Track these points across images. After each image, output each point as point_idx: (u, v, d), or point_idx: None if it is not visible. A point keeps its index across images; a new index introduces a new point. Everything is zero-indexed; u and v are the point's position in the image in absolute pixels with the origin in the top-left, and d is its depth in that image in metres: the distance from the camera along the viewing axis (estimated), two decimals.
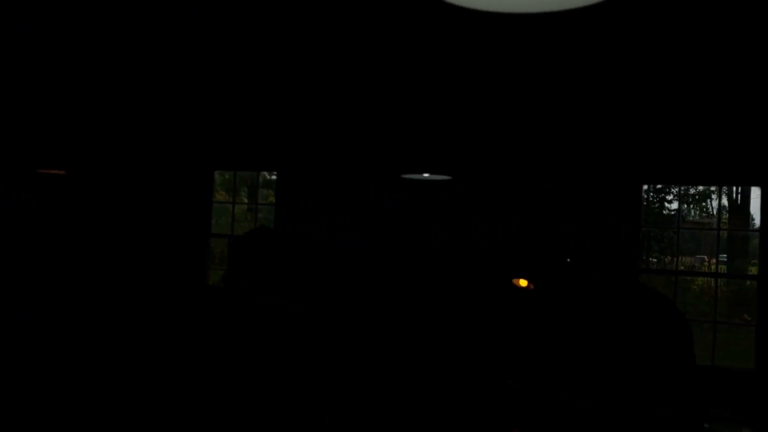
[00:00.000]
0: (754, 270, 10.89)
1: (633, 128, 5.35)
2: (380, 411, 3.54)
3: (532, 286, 4.74)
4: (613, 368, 1.99)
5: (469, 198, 5.79)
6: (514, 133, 5.65)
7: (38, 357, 4.44)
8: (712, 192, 16.36)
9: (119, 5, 3.33)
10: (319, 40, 3.82)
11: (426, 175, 5.07)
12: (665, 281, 9.10)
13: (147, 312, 5.29)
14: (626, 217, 5.30)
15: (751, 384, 5.14)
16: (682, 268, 13.33)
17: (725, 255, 14.91)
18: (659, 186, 14.43)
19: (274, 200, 7.00)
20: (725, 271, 14.32)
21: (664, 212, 15.34)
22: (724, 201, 16.03)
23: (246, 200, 14.81)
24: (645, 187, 6.08)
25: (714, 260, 13.21)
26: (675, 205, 15.14)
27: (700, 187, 15.94)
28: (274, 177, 8.09)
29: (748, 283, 12.53)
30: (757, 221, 5.50)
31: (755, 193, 14.78)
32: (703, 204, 17.24)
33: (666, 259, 13.91)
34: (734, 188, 15.19)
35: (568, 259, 2.16)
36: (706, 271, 14.16)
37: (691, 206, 16.95)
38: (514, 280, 4.82)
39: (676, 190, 14.31)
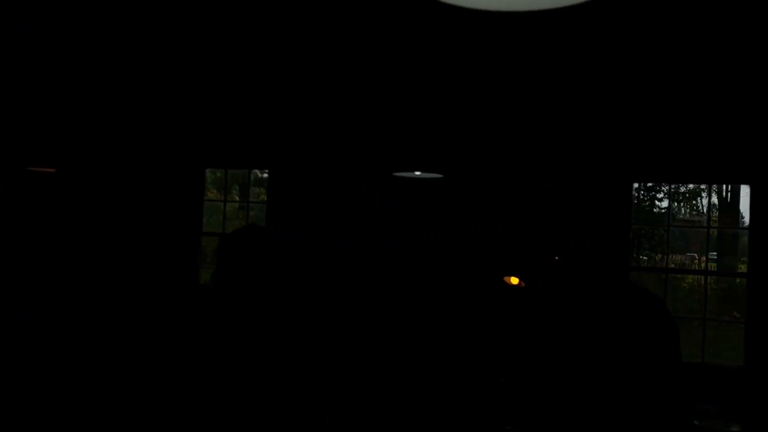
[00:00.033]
0: (743, 268, 10.96)
1: (623, 127, 5.37)
2: (376, 410, 3.54)
3: (523, 284, 4.76)
4: (606, 367, 1.99)
5: (460, 197, 5.79)
6: (504, 132, 5.66)
7: (38, 357, 4.42)
8: (702, 190, 16.45)
9: (109, 4, 3.32)
10: (310, 38, 3.81)
11: (417, 173, 5.07)
12: (656, 279, 9.14)
13: (143, 311, 5.27)
14: (617, 215, 5.31)
15: (740, 381, 5.17)
16: (673, 265, 13.40)
17: (715, 253, 15.01)
18: (650, 184, 14.51)
19: (265, 198, 6.98)
20: (715, 269, 14.41)
21: (655, 210, 15.43)
22: (714, 199, 16.15)
23: (237, 198, 14.77)
24: (636, 185, 6.11)
25: (704, 258, 13.30)
26: (665, 203, 15.23)
27: (691, 186, 16.03)
28: (265, 175, 8.07)
29: (738, 280, 12.61)
30: (747, 219, 5.54)
31: (745, 191, 14.91)
32: (694, 202, 17.35)
33: (656, 257, 13.99)
34: (724, 186, 15.28)
35: (556, 257, 2.17)
36: (696, 268, 14.24)
37: (682, 204, 17.04)
38: (505, 278, 4.84)
39: (667, 188, 14.39)
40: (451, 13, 3.15)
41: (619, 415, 1.94)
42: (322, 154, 6.20)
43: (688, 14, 3.16)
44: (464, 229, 5.74)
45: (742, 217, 14.91)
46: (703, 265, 13.67)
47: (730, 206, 15.57)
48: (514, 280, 4.83)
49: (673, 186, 11.79)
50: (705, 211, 16.75)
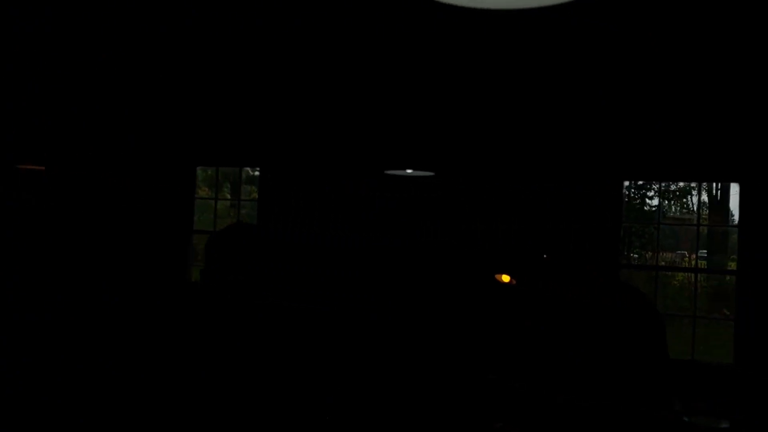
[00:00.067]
0: (733, 265, 11.03)
1: (614, 125, 5.39)
2: (376, 410, 3.53)
3: (514, 282, 4.77)
4: (598, 364, 2.00)
5: (456, 196, 5.79)
6: (497, 131, 5.67)
7: (38, 357, 4.39)
8: (693, 188, 16.53)
9: (100, 6, 3.29)
10: (304, 37, 3.79)
11: (409, 171, 5.07)
12: (646, 276, 9.18)
13: (138, 310, 5.25)
14: (607, 214, 5.34)
15: (730, 378, 5.20)
16: (663, 263, 13.48)
17: (705, 250, 15.08)
18: (640, 182, 14.57)
19: (257, 196, 6.96)
20: (705, 267, 14.50)
21: (645, 208, 15.49)
22: (704, 197, 16.23)
23: (229, 196, 14.72)
24: (626, 183, 6.13)
25: (694, 256, 13.37)
26: (656, 201, 15.29)
27: (681, 184, 16.11)
28: (257, 173, 8.04)
29: (728, 278, 12.69)
30: (737, 217, 5.57)
31: (735, 189, 14.97)
32: (684, 200, 17.43)
33: (647, 255, 14.05)
34: (714, 184, 15.37)
35: (545, 255, 2.18)
36: (687, 266, 14.32)
37: (672, 202, 17.12)
38: (497, 276, 4.84)
39: (657, 186, 14.46)
40: (446, 13, 3.15)
41: (615, 414, 1.95)
42: (313, 152, 6.18)
43: (680, 15, 3.17)
44: (460, 229, 5.75)
45: (732, 215, 15.00)
46: (693, 262, 13.76)
47: (720, 204, 15.65)
48: (506, 278, 4.83)
49: (663, 184, 11.85)
50: (695, 209, 16.84)
